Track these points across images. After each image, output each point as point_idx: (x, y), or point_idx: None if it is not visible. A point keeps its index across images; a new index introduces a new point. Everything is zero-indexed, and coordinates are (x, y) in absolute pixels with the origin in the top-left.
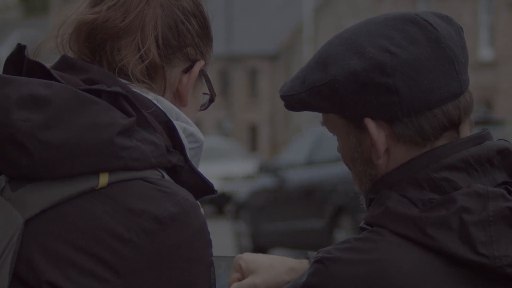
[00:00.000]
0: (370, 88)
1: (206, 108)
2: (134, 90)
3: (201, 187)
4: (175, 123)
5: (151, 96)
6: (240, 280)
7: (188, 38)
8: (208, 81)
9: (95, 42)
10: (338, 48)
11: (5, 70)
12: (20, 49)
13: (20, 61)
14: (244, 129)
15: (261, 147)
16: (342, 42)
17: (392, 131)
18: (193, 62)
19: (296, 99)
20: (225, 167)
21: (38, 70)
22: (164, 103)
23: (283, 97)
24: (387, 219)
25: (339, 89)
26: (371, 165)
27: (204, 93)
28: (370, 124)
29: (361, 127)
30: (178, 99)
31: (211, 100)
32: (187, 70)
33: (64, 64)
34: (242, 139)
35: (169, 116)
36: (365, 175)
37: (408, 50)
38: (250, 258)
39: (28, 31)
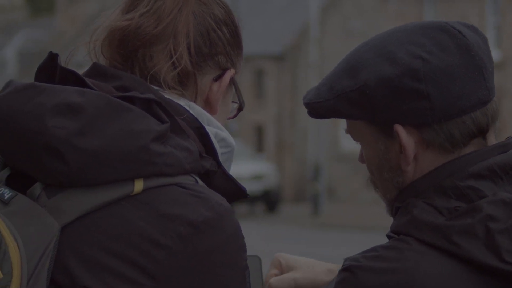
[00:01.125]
0: (402, 93)
1: (234, 116)
2: (166, 96)
3: (233, 192)
4: (207, 128)
5: (183, 102)
6: (277, 276)
7: (219, 46)
8: (237, 90)
9: (128, 48)
10: (367, 55)
11: (37, 78)
12: (52, 57)
13: (52, 69)
14: (250, 129)
15: (268, 147)
16: (371, 49)
17: (421, 138)
18: (224, 70)
19: (323, 106)
20: (232, 167)
21: (71, 78)
22: (196, 109)
23: (308, 105)
24: (413, 227)
25: (370, 94)
26: (399, 172)
27: (232, 101)
28: (401, 130)
29: (390, 133)
30: (208, 106)
31: (239, 109)
32: (218, 78)
33: (96, 71)
34: (249, 139)
35: (201, 122)
36: (392, 183)
37: (439, 57)
38: (291, 256)
39: (33, 31)
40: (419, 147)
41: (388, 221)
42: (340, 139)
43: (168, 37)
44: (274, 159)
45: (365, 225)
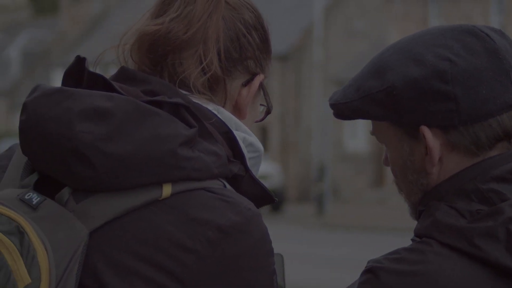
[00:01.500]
0: (429, 95)
1: (262, 119)
2: (195, 101)
3: (261, 196)
4: (235, 133)
5: (211, 107)
6: None
7: (249, 51)
8: (265, 93)
9: (157, 53)
10: (394, 57)
11: (64, 82)
12: (79, 61)
13: (79, 73)
14: (254, 129)
15: (272, 147)
16: (397, 51)
17: (447, 140)
18: (253, 75)
19: (349, 107)
20: None
21: (99, 82)
22: (224, 114)
23: (334, 106)
24: (435, 230)
25: (397, 96)
26: (423, 175)
27: (261, 104)
28: (427, 132)
29: (415, 135)
30: (237, 111)
31: (267, 112)
32: (247, 83)
33: (124, 75)
34: None
35: (229, 126)
36: (416, 185)
37: (467, 59)
38: None
39: (37, 31)
40: (444, 150)
41: (391, 221)
42: (344, 139)
43: (198, 43)
44: (278, 159)
45: (369, 225)
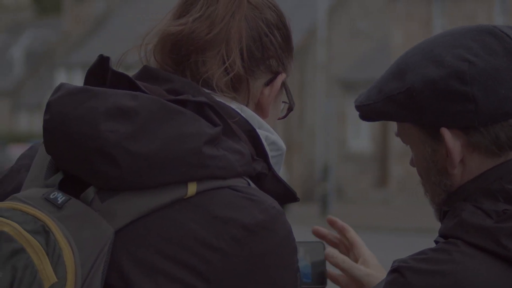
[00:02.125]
0: (448, 96)
1: (285, 116)
2: (218, 99)
3: (284, 194)
4: (258, 131)
5: (234, 105)
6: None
7: (271, 50)
8: (287, 91)
9: (180, 53)
10: (415, 58)
11: (86, 81)
12: (102, 61)
13: (102, 72)
14: None
15: None
16: (419, 52)
17: (468, 141)
18: (275, 74)
19: (372, 109)
20: None
21: (123, 81)
22: (247, 112)
23: (358, 107)
24: (461, 230)
25: (417, 97)
26: (446, 176)
27: (283, 101)
28: (446, 133)
29: (437, 136)
30: (259, 110)
31: (289, 109)
32: (269, 83)
33: (147, 74)
34: None
35: (252, 125)
36: (440, 186)
37: (486, 60)
38: (364, 246)
39: (40, 31)
40: (466, 150)
41: (395, 221)
42: (348, 139)
43: (221, 43)
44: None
45: (373, 225)
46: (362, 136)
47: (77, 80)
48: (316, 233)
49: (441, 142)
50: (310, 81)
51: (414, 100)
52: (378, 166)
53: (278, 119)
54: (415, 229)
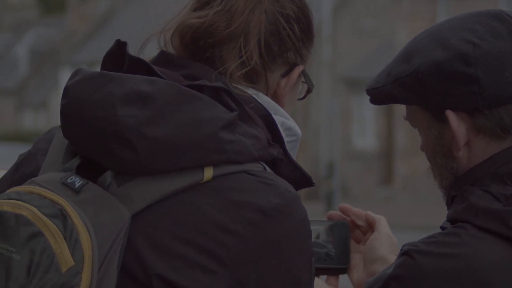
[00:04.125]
0: (452, 78)
1: (303, 98)
2: (234, 85)
3: (299, 180)
4: (274, 117)
5: (251, 91)
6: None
7: (289, 43)
8: (306, 76)
9: (198, 45)
10: (423, 41)
11: (103, 66)
12: (119, 45)
13: (119, 58)
14: None
15: None
16: (426, 35)
17: (473, 123)
18: (292, 66)
19: (381, 92)
20: None
21: (140, 66)
22: (263, 98)
23: (368, 91)
24: (470, 214)
25: (422, 79)
26: (452, 158)
27: (302, 81)
28: (451, 115)
29: (443, 119)
30: (275, 100)
31: (308, 91)
32: (286, 74)
33: (163, 59)
34: None
35: (268, 110)
36: (446, 169)
37: (491, 42)
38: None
39: (45, 30)
40: (471, 133)
41: (400, 219)
42: (353, 137)
43: (239, 37)
44: None
45: None
46: (367, 134)
47: None
48: (342, 211)
49: (447, 124)
50: (315, 79)
51: (420, 83)
52: (383, 164)
53: (298, 99)
54: (419, 227)
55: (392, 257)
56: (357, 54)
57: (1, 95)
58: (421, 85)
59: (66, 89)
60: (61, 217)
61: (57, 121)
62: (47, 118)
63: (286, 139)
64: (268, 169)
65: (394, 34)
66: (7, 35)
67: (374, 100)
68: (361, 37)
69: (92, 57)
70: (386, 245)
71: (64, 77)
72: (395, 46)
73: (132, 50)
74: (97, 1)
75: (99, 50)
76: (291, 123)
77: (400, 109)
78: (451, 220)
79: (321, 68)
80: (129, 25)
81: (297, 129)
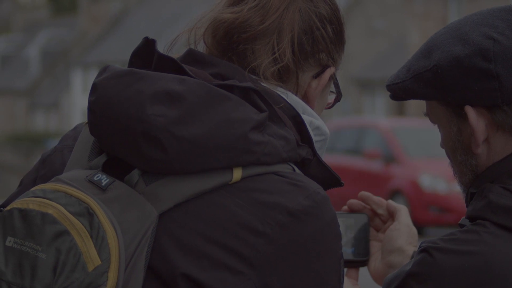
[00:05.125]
0: (472, 73)
1: (331, 106)
2: (264, 85)
3: (328, 180)
4: (303, 116)
5: (279, 91)
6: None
7: (322, 44)
8: (335, 83)
9: (231, 41)
10: (443, 37)
11: (131, 64)
12: (148, 43)
13: (147, 55)
14: None
15: None
16: (447, 31)
17: (492, 119)
18: (324, 67)
19: (401, 87)
20: None
21: (168, 65)
22: (292, 98)
23: (388, 87)
24: (489, 211)
25: (442, 74)
26: (472, 155)
27: (331, 91)
28: (470, 111)
29: (462, 115)
30: (306, 102)
31: (336, 100)
32: (317, 76)
33: (191, 57)
34: None
35: (297, 110)
36: (466, 166)
37: (511, 38)
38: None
39: (56, 30)
40: (490, 130)
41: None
42: None
43: (273, 33)
44: None
45: None
46: None
47: (93, 80)
48: (361, 199)
49: (466, 121)
50: None
51: (440, 78)
52: None
53: (325, 108)
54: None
55: (410, 248)
56: (368, 54)
57: (13, 95)
58: (441, 81)
59: (94, 86)
60: (88, 215)
61: (68, 122)
62: (59, 118)
63: (314, 138)
64: (297, 170)
65: (405, 34)
66: (18, 35)
67: (394, 96)
68: (373, 37)
69: (104, 57)
70: (405, 236)
71: (76, 78)
72: (406, 46)
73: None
74: (108, 2)
75: (110, 51)
76: (320, 122)
77: (411, 108)
78: (470, 217)
79: None
80: (140, 26)
81: (325, 129)
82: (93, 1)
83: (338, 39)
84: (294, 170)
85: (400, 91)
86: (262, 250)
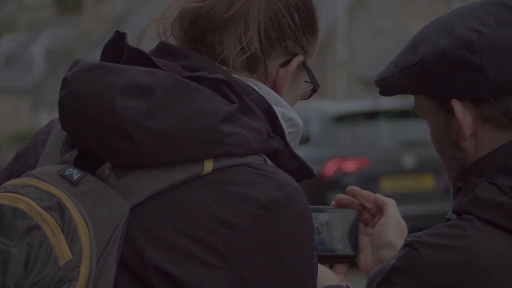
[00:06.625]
0: (457, 66)
1: (308, 97)
2: (235, 76)
3: (301, 171)
4: (275, 108)
5: (251, 82)
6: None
7: (287, 31)
8: (309, 73)
9: (198, 31)
10: (430, 30)
11: (103, 57)
12: (119, 36)
13: (118, 49)
14: None
15: None
16: (434, 24)
17: (479, 113)
18: (292, 56)
19: (388, 82)
20: None
21: (139, 57)
22: (264, 89)
23: (377, 82)
24: (475, 206)
25: (428, 68)
26: (460, 149)
27: (306, 81)
28: (456, 104)
29: (449, 109)
30: (274, 90)
31: (313, 90)
32: (285, 64)
33: (163, 50)
34: None
35: (269, 102)
36: (454, 160)
37: (497, 31)
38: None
39: (60, 30)
40: (477, 123)
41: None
42: None
43: (239, 21)
44: None
45: None
46: None
47: None
48: (349, 193)
49: (453, 115)
50: (330, 79)
51: (425, 71)
52: None
53: (301, 99)
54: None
55: (400, 242)
56: (372, 53)
57: (17, 94)
58: (426, 74)
59: (65, 80)
60: (59, 209)
61: None
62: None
63: (287, 130)
64: (269, 161)
65: (409, 33)
66: (22, 35)
67: (382, 91)
68: (376, 37)
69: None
70: (395, 230)
71: None
72: None
73: (145, 47)
74: (113, 1)
75: None
76: (292, 114)
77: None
78: (456, 211)
79: (336, 68)
80: (144, 25)
81: (298, 120)
82: (97, 1)
83: (308, 27)
84: (266, 161)
85: (388, 86)
86: (234, 243)
